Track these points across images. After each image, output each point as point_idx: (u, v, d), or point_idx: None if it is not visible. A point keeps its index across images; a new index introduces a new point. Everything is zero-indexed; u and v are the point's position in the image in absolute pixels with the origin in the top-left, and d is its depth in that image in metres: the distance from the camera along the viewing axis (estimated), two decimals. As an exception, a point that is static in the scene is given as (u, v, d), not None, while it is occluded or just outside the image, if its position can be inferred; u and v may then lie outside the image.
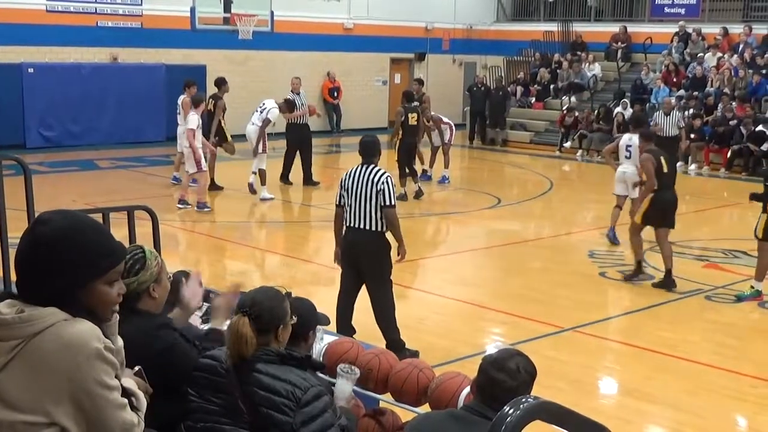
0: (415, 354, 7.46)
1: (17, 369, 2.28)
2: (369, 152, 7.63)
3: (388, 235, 7.64)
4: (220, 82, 16.01)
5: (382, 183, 7.39)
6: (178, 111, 15.96)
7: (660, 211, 10.16)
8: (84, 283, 2.38)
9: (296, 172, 16.79)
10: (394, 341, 7.61)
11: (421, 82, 19.60)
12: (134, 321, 3.54)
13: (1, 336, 2.30)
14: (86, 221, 2.49)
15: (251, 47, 23.97)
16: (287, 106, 16.02)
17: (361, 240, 7.54)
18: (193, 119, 13.88)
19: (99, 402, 2.29)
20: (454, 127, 17.72)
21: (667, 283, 10.16)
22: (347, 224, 7.60)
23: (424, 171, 17.62)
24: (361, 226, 7.48)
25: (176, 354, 3.55)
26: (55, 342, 2.27)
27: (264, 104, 15.48)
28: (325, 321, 4.14)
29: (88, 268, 2.38)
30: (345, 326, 7.59)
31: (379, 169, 7.52)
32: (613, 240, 12.50)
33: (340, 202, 7.63)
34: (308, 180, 16.73)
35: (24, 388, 2.27)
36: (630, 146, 12.15)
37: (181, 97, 15.83)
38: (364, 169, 7.53)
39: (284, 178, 16.72)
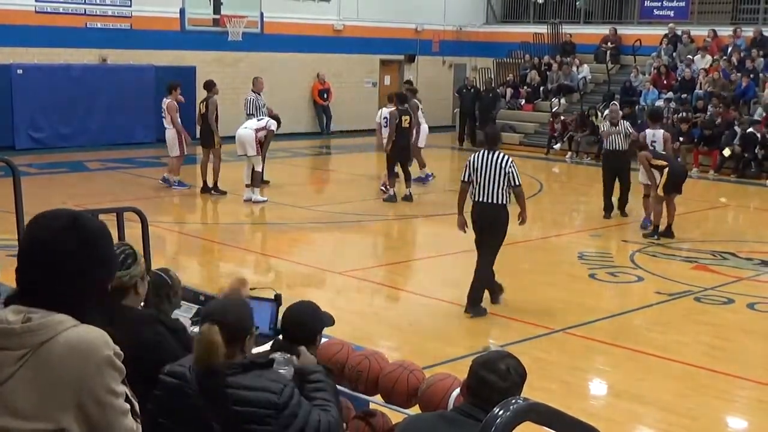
0: (484, 312, 9.06)
1: (25, 377, 2.24)
2: (493, 140, 9.21)
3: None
4: (210, 85, 16.00)
5: (509, 167, 8.88)
6: (163, 115, 15.93)
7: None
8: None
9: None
10: (476, 291, 9.12)
11: (410, 83, 19.81)
12: (120, 312, 3.60)
13: (9, 345, 2.26)
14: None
15: (241, 49, 23.93)
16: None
17: (489, 212, 9.00)
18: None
19: (107, 409, 2.28)
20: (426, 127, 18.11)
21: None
22: (475, 199, 9.07)
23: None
24: (490, 200, 8.94)
25: (163, 350, 3.55)
26: (65, 350, 2.24)
27: (263, 117, 15.76)
28: (330, 321, 4.13)
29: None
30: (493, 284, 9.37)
31: (504, 155, 9.00)
32: (646, 226, 13.38)
33: (467, 179, 9.05)
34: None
35: (33, 396, 2.24)
36: (655, 141, 13.08)
37: (166, 101, 15.81)
38: (490, 154, 8.96)
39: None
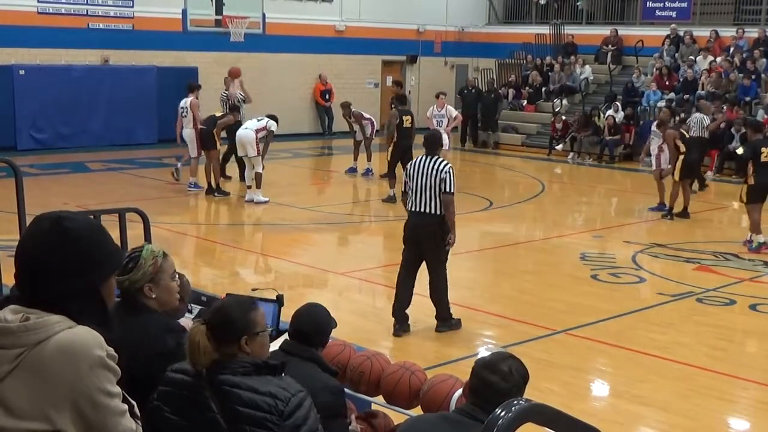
0: (458, 324, 8.47)
1: (21, 377, 2.26)
2: (432, 145, 8.30)
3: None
4: (235, 109, 16.33)
5: (445, 172, 8.05)
6: (183, 114, 15.81)
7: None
8: (107, 278, 2.45)
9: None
10: (444, 311, 8.44)
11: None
12: (142, 318, 3.57)
13: (6, 344, 2.28)
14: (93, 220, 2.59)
15: (243, 49, 23.91)
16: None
17: (423, 223, 8.20)
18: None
19: (101, 410, 2.30)
20: (375, 123, 18.94)
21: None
22: (411, 209, 8.27)
23: (351, 168, 18.90)
24: (424, 210, 8.15)
25: (176, 361, 3.53)
26: (58, 350, 2.26)
27: (263, 117, 15.81)
28: (334, 324, 4.15)
29: (109, 263, 2.45)
30: (404, 300, 8.38)
31: (442, 160, 8.22)
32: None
33: (406, 188, 8.33)
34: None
35: (28, 396, 2.26)
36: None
37: (188, 100, 15.72)
38: (428, 160, 8.19)
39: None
